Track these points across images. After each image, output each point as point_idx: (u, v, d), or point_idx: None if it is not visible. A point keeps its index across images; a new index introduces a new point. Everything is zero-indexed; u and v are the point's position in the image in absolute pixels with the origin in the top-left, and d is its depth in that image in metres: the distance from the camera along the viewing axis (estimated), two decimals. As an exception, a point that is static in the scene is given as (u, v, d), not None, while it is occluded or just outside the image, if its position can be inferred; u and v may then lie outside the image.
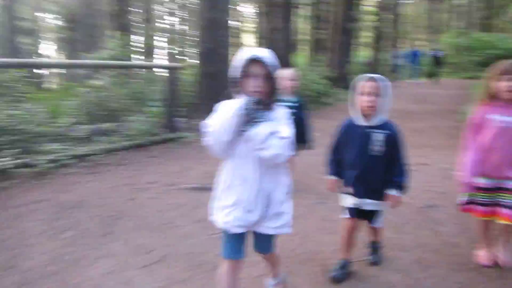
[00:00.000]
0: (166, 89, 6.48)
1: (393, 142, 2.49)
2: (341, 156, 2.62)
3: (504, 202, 2.63)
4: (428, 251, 3.01)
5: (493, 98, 2.61)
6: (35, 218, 3.52)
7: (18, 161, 4.55)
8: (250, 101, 1.84)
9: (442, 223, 3.53)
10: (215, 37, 8.28)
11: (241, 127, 1.87)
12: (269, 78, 1.91)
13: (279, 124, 1.94)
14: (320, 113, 9.59)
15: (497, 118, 2.57)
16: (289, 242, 3.03)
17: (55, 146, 5.07)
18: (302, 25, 23.63)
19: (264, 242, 2.15)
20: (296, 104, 4.10)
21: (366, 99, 2.40)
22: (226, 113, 1.87)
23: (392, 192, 2.51)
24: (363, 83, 2.44)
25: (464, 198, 2.76)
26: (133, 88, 7.19)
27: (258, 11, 13.13)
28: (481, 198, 2.70)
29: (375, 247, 2.84)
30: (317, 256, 2.96)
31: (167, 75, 6.49)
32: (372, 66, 19.53)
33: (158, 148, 6.02)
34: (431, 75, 17.87)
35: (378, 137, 2.45)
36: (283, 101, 3.97)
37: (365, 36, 25.69)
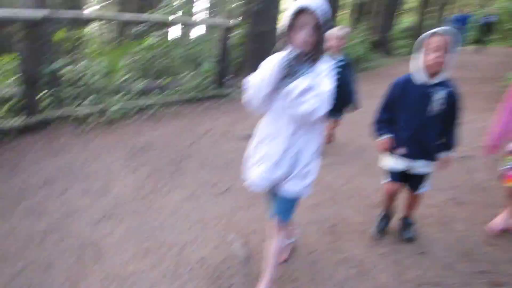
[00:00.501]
0: (218, 47, 6.87)
1: (453, 100, 2.42)
2: (393, 115, 2.53)
3: None
4: (462, 192, 3.37)
5: None
6: (113, 156, 4.08)
7: (92, 109, 5.12)
8: (292, 53, 1.80)
9: (476, 170, 3.86)
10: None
11: (280, 80, 1.83)
12: (318, 28, 1.82)
13: (321, 78, 1.86)
14: (360, 77, 9.72)
15: None
16: (336, 180, 3.46)
17: (117, 97, 5.60)
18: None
19: (281, 203, 2.07)
20: (342, 63, 4.05)
21: (433, 56, 2.28)
22: (267, 66, 1.85)
23: (446, 154, 2.50)
24: (429, 39, 2.30)
25: (505, 166, 2.68)
26: (187, 46, 7.61)
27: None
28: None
29: (408, 223, 2.79)
30: (362, 192, 3.37)
31: (220, 33, 6.86)
32: (416, 32, 19.08)
33: (210, 102, 6.48)
34: (478, 42, 16.84)
35: (440, 94, 2.37)
36: (330, 59, 3.95)
37: (412, 0, 24.84)
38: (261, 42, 8.13)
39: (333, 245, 2.66)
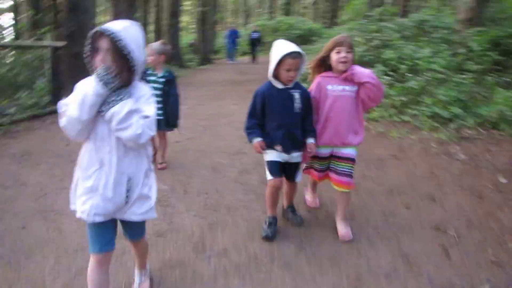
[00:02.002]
0: (49, 67, 7.65)
1: (306, 97, 2.86)
2: (259, 120, 2.87)
3: (335, 168, 2.98)
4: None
5: (327, 69, 2.91)
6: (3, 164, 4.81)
7: None
8: (101, 77, 1.73)
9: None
10: (80, 19, 9.32)
11: (98, 105, 1.76)
12: (117, 52, 1.75)
13: (142, 102, 1.85)
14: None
15: (332, 88, 2.86)
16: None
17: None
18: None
19: (131, 229, 2.08)
20: (163, 80, 4.19)
21: (291, 74, 2.72)
22: (80, 91, 1.77)
23: (311, 141, 2.87)
24: (290, 60, 2.68)
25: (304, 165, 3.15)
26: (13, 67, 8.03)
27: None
28: (318, 165, 3.08)
29: (293, 209, 3.26)
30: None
31: (49, 53, 7.64)
32: (197, 46, 22.04)
33: (52, 117, 7.13)
34: (250, 53, 19.56)
35: (297, 95, 2.80)
36: (151, 75, 4.17)
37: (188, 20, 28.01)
38: (77, 63, 9.06)
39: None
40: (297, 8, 42.89)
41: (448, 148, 5.08)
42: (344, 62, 2.75)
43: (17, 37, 14.08)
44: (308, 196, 3.59)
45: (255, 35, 19.52)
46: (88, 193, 1.86)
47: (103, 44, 1.77)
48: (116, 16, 12.08)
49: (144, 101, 1.86)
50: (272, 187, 2.93)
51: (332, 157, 3.00)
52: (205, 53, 21.06)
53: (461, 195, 3.82)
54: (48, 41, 7.93)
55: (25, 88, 7.56)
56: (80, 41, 9.03)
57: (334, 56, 2.79)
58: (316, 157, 3.01)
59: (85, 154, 1.88)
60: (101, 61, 1.78)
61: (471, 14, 8.69)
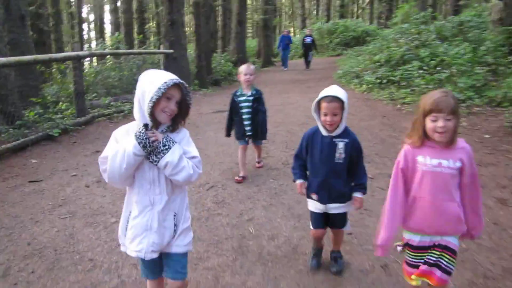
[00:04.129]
0: (162, 67, 10.41)
1: (353, 148, 2.61)
2: (304, 162, 2.76)
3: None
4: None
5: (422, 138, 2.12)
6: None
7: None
8: (140, 137, 1.82)
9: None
10: (176, 32, 12.16)
11: (137, 163, 1.87)
12: (186, 103, 1.95)
13: (184, 143, 1.98)
14: (231, 88, 14.06)
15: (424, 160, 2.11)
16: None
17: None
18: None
19: (176, 263, 2.10)
20: (252, 98, 4.49)
21: (328, 119, 2.50)
22: (119, 147, 1.86)
23: (357, 195, 2.64)
24: (324, 103, 2.50)
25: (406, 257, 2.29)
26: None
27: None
28: (409, 257, 2.26)
29: (337, 256, 2.92)
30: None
31: (161, 58, 10.36)
32: (260, 49, 24.63)
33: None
34: (305, 56, 18.77)
35: (341, 144, 2.58)
36: (241, 95, 4.55)
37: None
38: (174, 65, 11.77)
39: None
40: (353, 10, 44.34)
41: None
42: (442, 133, 2.04)
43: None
44: None
45: (308, 39, 18.50)
46: (142, 233, 1.97)
47: (176, 94, 1.89)
48: (197, 27, 14.80)
49: (186, 143, 2.00)
50: (314, 236, 2.91)
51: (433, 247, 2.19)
52: (267, 56, 23.61)
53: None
54: (162, 49, 10.71)
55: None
56: (177, 49, 11.90)
57: (429, 124, 2.07)
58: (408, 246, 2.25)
59: (133, 197, 1.99)
60: (171, 110, 1.88)
61: (501, 15, 10.25)
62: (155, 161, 1.87)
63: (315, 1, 43.57)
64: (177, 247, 2.05)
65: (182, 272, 2.12)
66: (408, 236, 2.22)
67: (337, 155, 2.59)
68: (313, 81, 13.80)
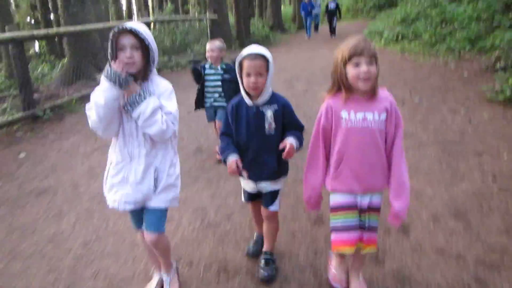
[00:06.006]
0: (206, 32, 12.47)
1: (284, 114, 2.25)
2: (233, 138, 2.33)
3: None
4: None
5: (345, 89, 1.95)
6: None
7: None
8: (119, 75, 1.80)
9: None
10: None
11: (116, 108, 1.87)
12: (140, 48, 1.87)
13: (164, 98, 1.95)
14: (272, 49, 16.03)
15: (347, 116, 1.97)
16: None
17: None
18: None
19: (152, 216, 2.11)
20: (222, 71, 4.27)
21: (252, 80, 2.12)
22: (101, 94, 1.84)
23: (290, 141, 2.15)
24: (247, 62, 2.13)
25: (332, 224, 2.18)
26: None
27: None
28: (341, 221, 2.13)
29: (268, 257, 2.53)
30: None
31: (206, 23, 12.52)
32: (295, 15, 26.09)
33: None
34: (330, 21, 17.87)
35: (268, 113, 2.21)
36: (212, 68, 4.32)
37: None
38: (217, 29, 13.78)
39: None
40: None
41: (449, 63, 8.74)
42: (367, 80, 1.86)
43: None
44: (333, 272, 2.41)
45: (332, 5, 17.49)
46: (118, 185, 2.05)
47: (127, 41, 1.84)
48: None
49: (165, 97, 1.97)
50: (250, 209, 2.70)
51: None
52: (301, 21, 25.13)
53: (436, 78, 7.62)
54: (208, 15, 12.82)
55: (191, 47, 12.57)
56: (220, 16, 13.98)
57: (351, 71, 1.89)
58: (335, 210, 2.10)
59: (115, 149, 2.05)
60: (128, 58, 1.84)
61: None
62: (129, 110, 1.88)
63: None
64: (157, 201, 2.08)
65: (157, 225, 2.12)
66: (336, 197, 2.09)
67: (266, 125, 2.22)
68: (342, 41, 15.41)
